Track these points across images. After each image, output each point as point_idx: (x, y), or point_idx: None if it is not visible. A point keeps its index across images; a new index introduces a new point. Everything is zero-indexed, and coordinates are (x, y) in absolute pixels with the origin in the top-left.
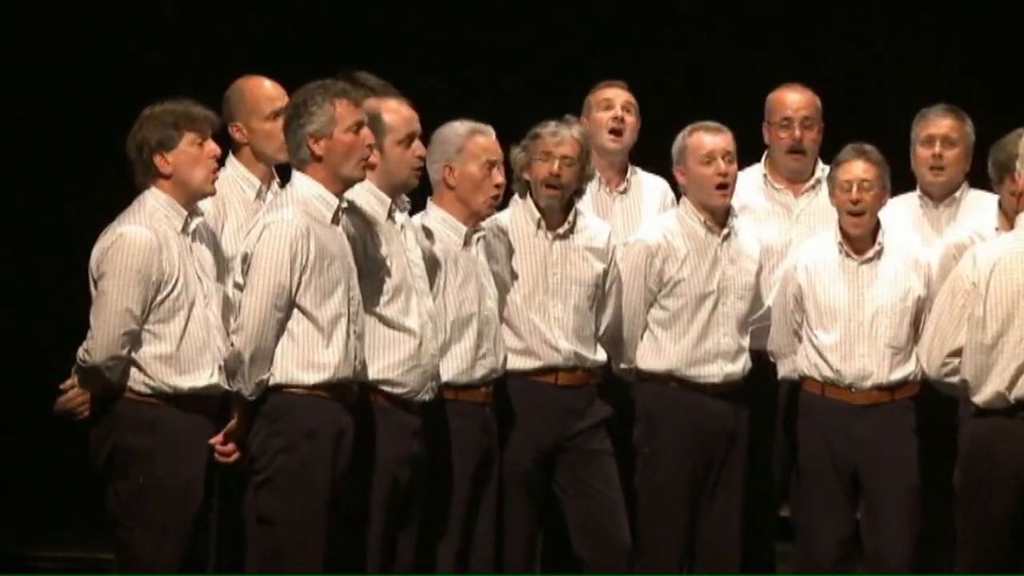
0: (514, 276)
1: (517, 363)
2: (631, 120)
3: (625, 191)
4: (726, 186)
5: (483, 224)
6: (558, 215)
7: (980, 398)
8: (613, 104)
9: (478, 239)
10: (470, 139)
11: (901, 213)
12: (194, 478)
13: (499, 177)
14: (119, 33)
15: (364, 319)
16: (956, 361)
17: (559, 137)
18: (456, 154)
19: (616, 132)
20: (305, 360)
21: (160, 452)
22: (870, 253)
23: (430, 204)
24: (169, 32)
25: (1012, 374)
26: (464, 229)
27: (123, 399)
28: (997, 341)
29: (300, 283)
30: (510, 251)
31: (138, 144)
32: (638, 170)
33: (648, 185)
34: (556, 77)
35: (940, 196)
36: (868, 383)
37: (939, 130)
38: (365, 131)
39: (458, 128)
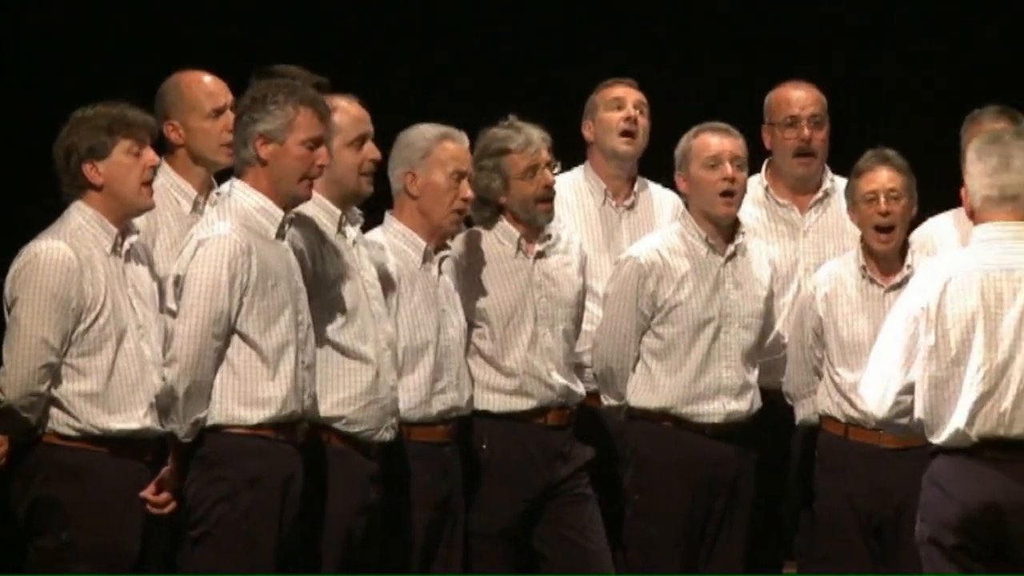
0: (491, 306)
1: (505, 404)
2: (644, 122)
3: (632, 206)
4: (732, 193)
5: (449, 245)
6: (535, 231)
7: (939, 438)
8: (624, 103)
9: (441, 259)
10: (438, 144)
11: (949, 236)
12: (127, 535)
13: (467, 190)
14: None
15: (314, 347)
16: (908, 399)
17: (535, 145)
18: (421, 160)
19: (629, 134)
20: (247, 395)
21: (86, 504)
22: (898, 277)
23: (388, 217)
24: (97, 27)
25: (971, 409)
26: (424, 245)
27: (43, 443)
28: (953, 372)
29: (241, 307)
30: (484, 278)
31: (66, 150)
32: (648, 182)
33: (659, 200)
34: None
35: None
36: None
37: None
38: (322, 151)
39: (425, 132)
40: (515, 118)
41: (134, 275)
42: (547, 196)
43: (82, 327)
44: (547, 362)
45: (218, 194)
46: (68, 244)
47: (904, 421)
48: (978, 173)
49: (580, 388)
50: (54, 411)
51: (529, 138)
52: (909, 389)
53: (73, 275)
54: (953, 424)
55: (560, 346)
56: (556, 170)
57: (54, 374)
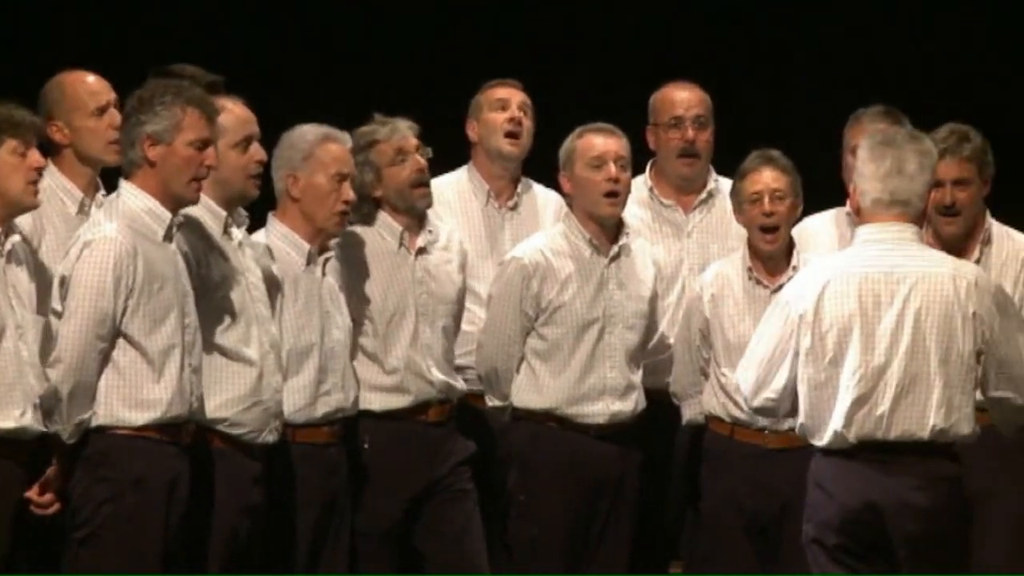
0: (375, 303)
1: (386, 402)
2: (528, 123)
3: (516, 207)
4: (616, 194)
5: (332, 245)
6: (417, 225)
7: (820, 440)
8: (508, 104)
9: (325, 260)
10: (319, 146)
11: (824, 233)
12: None
13: (349, 192)
14: None
15: (201, 350)
16: (780, 398)
17: (401, 132)
18: (302, 162)
19: (513, 135)
20: (132, 397)
21: None
22: (784, 278)
23: (271, 219)
24: None
25: (848, 412)
26: (307, 247)
27: None
28: (831, 374)
29: (126, 309)
30: (368, 275)
31: None
32: (531, 183)
33: (542, 200)
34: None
35: None
36: (784, 425)
37: None
38: (210, 152)
39: (307, 133)
40: (380, 116)
41: (14, 276)
42: (421, 180)
43: None
44: (427, 358)
45: (104, 196)
46: None
47: (780, 417)
48: (870, 175)
49: (460, 384)
50: None
51: (394, 126)
52: (782, 389)
53: None
54: (832, 426)
55: (439, 342)
56: (429, 156)
57: None
